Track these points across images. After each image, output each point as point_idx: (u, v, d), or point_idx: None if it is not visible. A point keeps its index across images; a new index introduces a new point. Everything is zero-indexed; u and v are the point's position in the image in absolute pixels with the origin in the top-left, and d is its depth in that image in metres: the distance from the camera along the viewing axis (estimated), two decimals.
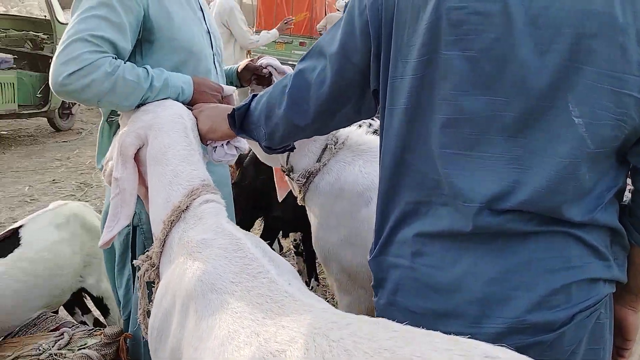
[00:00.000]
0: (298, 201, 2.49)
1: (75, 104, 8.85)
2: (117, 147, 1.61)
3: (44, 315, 2.32)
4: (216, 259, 1.30)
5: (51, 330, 2.24)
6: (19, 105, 7.38)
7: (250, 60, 2.31)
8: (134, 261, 1.58)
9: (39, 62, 7.98)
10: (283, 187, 2.61)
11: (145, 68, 1.75)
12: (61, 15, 7.86)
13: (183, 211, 1.47)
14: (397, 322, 1.04)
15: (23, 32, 8.08)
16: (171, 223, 1.46)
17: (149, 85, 1.72)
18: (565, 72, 1.05)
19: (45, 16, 7.99)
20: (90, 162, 7.26)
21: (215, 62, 2.08)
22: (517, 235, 1.12)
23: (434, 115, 1.16)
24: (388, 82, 1.24)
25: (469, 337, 0.92)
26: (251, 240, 1.37)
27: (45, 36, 7.88)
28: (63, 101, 8.16)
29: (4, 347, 2.18)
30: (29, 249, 2.25)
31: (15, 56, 7.58)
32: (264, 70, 2.26)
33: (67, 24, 1.65)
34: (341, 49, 1.31)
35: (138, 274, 1.54)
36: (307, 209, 2.50)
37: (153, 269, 1.50)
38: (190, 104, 1.81)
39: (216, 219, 1.45)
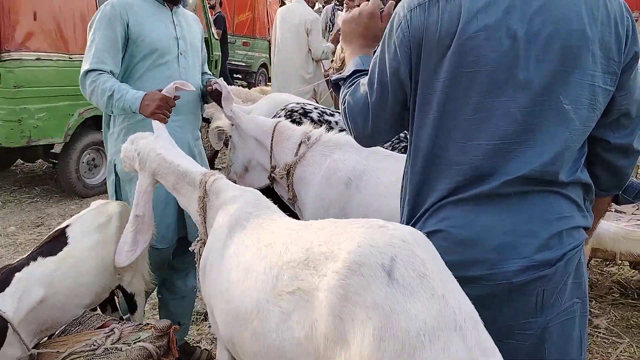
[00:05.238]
0: (288, 199, 2.81)
1: None
2: (136, 194, 2.30)
3: (87, 314, 2.36)
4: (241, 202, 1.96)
5: (98, 328, 2.29)
6: None
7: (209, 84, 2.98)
8: (190, 248, 2.18)
9: None
10: None
11: (118, 85, 2.61)
12: None
13: (203, 199, 2.09)
14: None
15: None
16: (202, 209, 2.08)
17: (110, 95, 2.59)
18: (557, 74, 1.43)
19: None
20: (47, 167, 7.09)
21: (180, 59, 2.85)
22: (521, 195, 1.48)
23: (462, 118, 1.49)
24: (418, 97, 1.54)
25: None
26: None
27: None
28: None
29: (54, 345, 2.22)
30: (76, 248, 2.30)
31: None
32: (214, 87, 2.90)
33: None
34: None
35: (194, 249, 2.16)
36: (296, 206, 2.83)
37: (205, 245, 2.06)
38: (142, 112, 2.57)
39: (230, 185, 2.11)
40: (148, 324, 2.31)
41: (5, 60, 5.24)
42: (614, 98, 1.51)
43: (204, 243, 2.06)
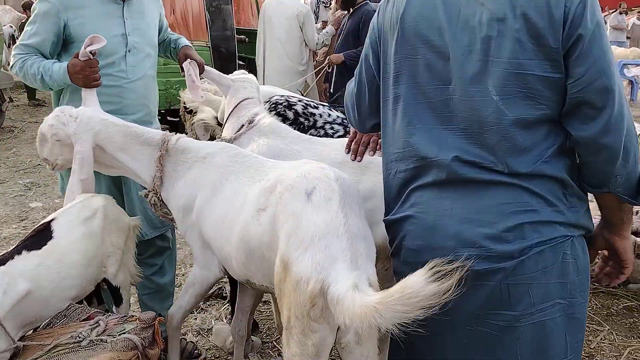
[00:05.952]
0: None
1: (4, 101, 8.54)
2: (79, 160, 2.41)
3: (72, 307, 2.37)
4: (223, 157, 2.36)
5: (83, 320, 2.30)
6: None
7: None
8: (140, 193, 2.54)
9: None
10: None
11: (42, 66, 2.65)
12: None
13: (165, 156, 2.39)
14: (403, 260, 1.66)
15: None
16: (159, 160, 2.39)
17: (40, 78, 2.66)
18: (484, 64, 1.45)
19: None
20: (31, 161, 7.06)
21: (128, 57, 2.82)
22: (481, 184, 1.50)
23: (408, 102, 1.59)
24: (381, 80, 1.69)
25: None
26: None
27: None
28: None
29: (40, 337, 2.22)
30: (61, 241, 2.29)
31: None
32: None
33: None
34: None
35: (144, 197, 2.52)
36: None
37: (156, 196, 2.43)
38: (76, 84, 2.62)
39: (198, 142, 2.52)
40: (133, 315, 2.32)
41: None
42: (565, 86, 1.43)
43: (155, 193, 2.43)
